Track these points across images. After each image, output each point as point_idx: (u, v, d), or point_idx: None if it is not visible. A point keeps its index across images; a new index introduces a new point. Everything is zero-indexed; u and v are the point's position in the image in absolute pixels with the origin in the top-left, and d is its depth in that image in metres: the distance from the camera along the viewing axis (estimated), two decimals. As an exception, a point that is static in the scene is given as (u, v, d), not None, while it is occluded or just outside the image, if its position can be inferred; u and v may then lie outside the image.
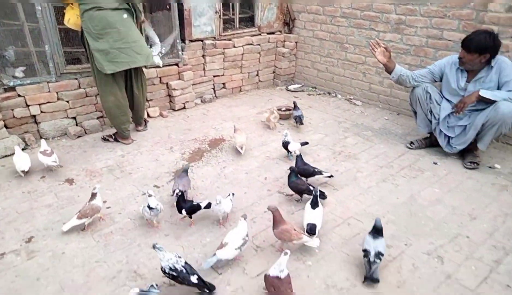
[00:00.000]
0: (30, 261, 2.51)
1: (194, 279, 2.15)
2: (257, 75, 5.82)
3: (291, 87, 5.82)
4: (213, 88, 5.42)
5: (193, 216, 2.80)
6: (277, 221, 2.48)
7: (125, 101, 3.94)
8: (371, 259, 2.29)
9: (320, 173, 3.24)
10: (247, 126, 4.52)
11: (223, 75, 5.42)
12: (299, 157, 3.29)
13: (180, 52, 4.81)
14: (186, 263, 2.20)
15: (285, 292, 2.06)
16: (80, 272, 2.42)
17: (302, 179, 3.11)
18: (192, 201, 2.84)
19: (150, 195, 2.69)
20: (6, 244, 2.66)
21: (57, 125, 4.20)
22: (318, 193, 2.72)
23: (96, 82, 3.83)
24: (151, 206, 2.67)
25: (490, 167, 3.56)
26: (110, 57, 3.56)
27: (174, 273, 2.15)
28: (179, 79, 4.92)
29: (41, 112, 4.08)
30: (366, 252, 2.34)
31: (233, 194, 2.91)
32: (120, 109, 3.89)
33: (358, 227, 2.81)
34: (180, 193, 2.76)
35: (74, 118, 4.33)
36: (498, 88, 3.34)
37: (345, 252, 2.58)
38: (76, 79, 4.21)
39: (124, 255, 2.56)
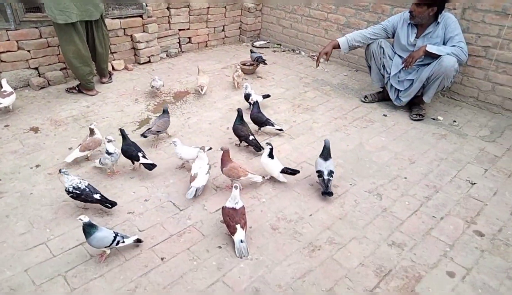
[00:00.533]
0: (-2, 201, 2.64)
1: (97, 196, 2.50)
2: (223, 30, 5.86)
3: (256, 43, 5.91)
4: (179, 43, 5.44)
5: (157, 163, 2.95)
6: (225, 160, 2.75)
7: (87, 52, 3.94)
8: (325, 177, 2.72)
9: (272, 124, 3.46)
10: (212, 80, 4.63)
11: (188, 29, 5.44)
12: (255, 105, 3.48)
13: (144, 3, 4.77)
14: (89, 184, 2.54)
15: (239, 220, 2.31)
16: (48, 210, 2.58)
17: (246, 126, 3.27)
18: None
19: (109, 141, 2.83)
20: (-26, 186, 2.76)
21: (18, 75, 4.17)
22: (272, 147, 2.84)
23: (56, 32, 3.80)
24: (109, 151, 2.81)
25: (433, 119, 3.89)
26: (61, 6, 3.53)
27: (77, 191, 2.47)
28: (144, 31, 4.91)
29: (1, 61, 4.02)
30: (320, 173, 2.76)
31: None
32: (81, 59, 3.90)
33: (310, 170, 3.07)
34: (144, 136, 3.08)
35: (37, 68, 4.30)
36: (444, 43, 3.60)
37: (296, 191, 2.85)
38: (37, 28, 4.15)
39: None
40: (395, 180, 3.00)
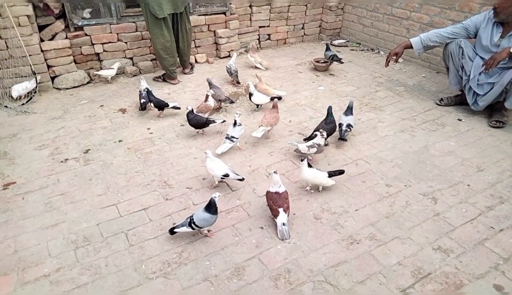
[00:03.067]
0: (85, 167, 3.12)
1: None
2: (302, 28, 5.96)
3: (335, 42, 5.91)
4: (258, 39, 5.68)
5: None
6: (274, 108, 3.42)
7: (173, 44, 4.38)
8: (343, 128, 3.29)
9: (213, 121, 3.45)
10: (283, 76, 4.79)
11: (268, 26, 5.66)
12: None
13: (228, 1, 5.10)
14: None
15: (281, 204, 2.43)
16: (122, 178, 2.99)
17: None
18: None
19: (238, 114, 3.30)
20: (70, 152, 3.30)
21: (111, 63, 4.78)
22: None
23: (148, 26, 4.28)
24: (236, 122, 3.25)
25: (516, 127, 3.56)
26: (158, 2, 3.99)
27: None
28: (226, 27, 5.25)
29: (104, 50, 4.66)
30: (340, 125, 3.32)
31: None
32: (168, 51, 4.35)
33: (365, 167, 3.06)
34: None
35: (131, 58, 4.88)
36: (534, 45, 3.27)
37: (347, 186, 2.88)
38: (134, 22, 4.71)
39: (158, 169, 3.08)
40: (455, 186, 2.84)
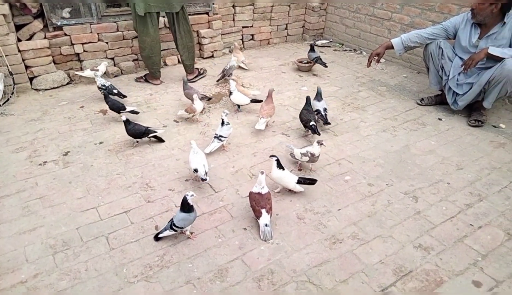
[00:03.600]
0: (65, 169, 3.05)
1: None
2: (286, 28, 5.98)
3: (318, 42, 5.94)
4: (242, 39, 5.67)
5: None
6: (266, 99, 3.57)
7: (158, 44, 4.30)
8: (322, 113, 3.51)
9: (154, 131, 3.33)
10: (267, 76, 4.79)
11: (252, 26, 5.65)
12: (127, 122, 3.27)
13: (210, 1, 5.07)
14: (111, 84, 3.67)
15: (264, 205, 2.43)
16: (103, 180, 2.93)
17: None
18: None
19: (226, 114, 3.26)
20: (48, 155, 3.22)
21: (97, 64, 4.69)
22: (277, 158, 2.74)
23: (136, 23, 4.19)
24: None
25: (494, 126, 3.63)
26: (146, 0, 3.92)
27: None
28: (209, 28, 5.22)
29: (84, 51, 4.58)
30: (317, 111, 3.52)
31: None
32: (153, 50, 4.28)
33: (347, 167, 3.08)
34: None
35: (112, 58, 4.81)
36: (510, 46, 3.34)
37: (329, 186, 2.89)
38: (115, 22, 4.64)
39: (140, 171, 3.03)
40: (436, 184, 2.89)
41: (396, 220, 2.56)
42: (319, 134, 3.31)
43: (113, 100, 3.73)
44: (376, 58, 3.91)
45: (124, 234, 2.45)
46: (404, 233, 2.45)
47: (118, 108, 3.68)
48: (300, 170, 3.05)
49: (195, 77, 4.69)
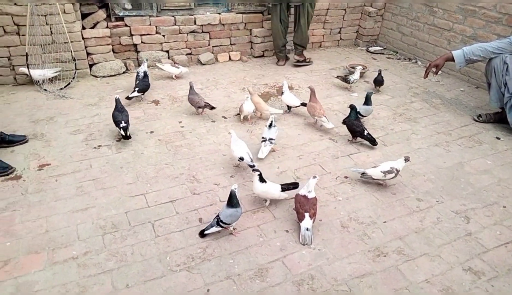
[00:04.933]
0: (117, 154, 3.18)
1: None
2: (339, 32, 5.89)
3: (371, 49, 5.81)
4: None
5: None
6: (311, 98, 3.59)
7: (281, 31, 4.92)
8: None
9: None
10: (317, 79, 4.75)
11: (305, 28, 5.60)
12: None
13: (266, 2, 5.09)
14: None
15: (308, 209, 2.41)
16: (152, 168, 3.03)
17: (360, 122, 3.46)
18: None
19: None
20: (103, 139, 3.38)
21: (153, 55, 4.86)
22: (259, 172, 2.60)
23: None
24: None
25: (559, 151, 3.39)
26: None
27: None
28: (262, 27, 5.24)
29: (142, 42, 4.75)
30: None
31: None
32: (276, 35, 4.95)
33: (395, 179, 2.98)
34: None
35: (167, 51, 4.95)
36: None
37: (376, 196, 2.82)
38: (173, 16, 4.78)
39: (187, 163, 3.10)
40: (490, 206, 2.74)
41: (445, 240, 2.45)
42: (376, 144, 3.31)
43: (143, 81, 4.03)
44: (435, 69, 3.77)
45: (169, 223, 2.51)
46: (453, 254, 2.34)
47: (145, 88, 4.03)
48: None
49: (303, 61, 5.13)
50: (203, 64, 5.06)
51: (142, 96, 4.07)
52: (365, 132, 3.29)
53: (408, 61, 5.46)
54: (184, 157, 3.18)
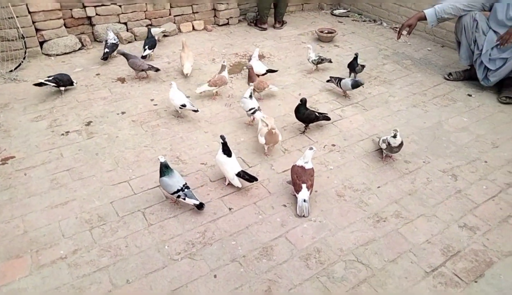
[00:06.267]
0: (89, 140, 2.93)
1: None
2: (302, -4, 5.74)
3: (336, 12, 5.72)
4: (257, 6, 5.41)
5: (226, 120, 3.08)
6: (252, 76, 3.33)
7: None
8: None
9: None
10: (287, 46, 4.62)
11: (268, -7, 5.39)
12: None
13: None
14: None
15: (306, 180, 2.35)
16: (131, 152, 2.82)
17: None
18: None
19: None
20: (70, 124, 3.09)
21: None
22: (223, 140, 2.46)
23: None
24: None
25: (526, 103, 3.55)
26: None
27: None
28: (225, -7, 4.98)
29: (96, 14, 4.34)
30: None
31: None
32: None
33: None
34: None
35: (125, 23, 4.57)
36: (551, 21, 3.22)
37: (366, 162, 2.82)
38: (128, -16, 4.39)
39: (168, 144, 2.92)
40: (473, 162, 2.83)
41: (438, 199, 2.50)
42: (329, 119, 3.12)
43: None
44: (408, 29, 3.76)
45: (160, 209, 2.36)
46: (447, 212, 2.40)
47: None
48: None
49: (282, 25, 5.18)
50: (166, 36, 4.74)
51: (152, 52, 4.15)
52: (319, 115, 3.05)
53: (374, 22, 5.44)
54: (164, 138, 2.99)
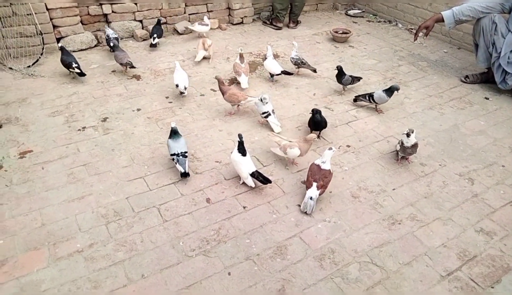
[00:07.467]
0: (105, 136, 2.96)
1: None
2: (317, -4, 5.71)
3: (350, 12, 5.69)
4: (271, 6, 5.41)
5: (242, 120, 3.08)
6: (223, 89, 3.16)
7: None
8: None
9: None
10: (301, 46, 4.60)
11: (284, -8, 5.38)
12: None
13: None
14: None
15: (318, 179, 2.35)
16: (146, 149, 2.84)
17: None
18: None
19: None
20: (86, 120, 3.12)
21: (125, 26, 4.51)
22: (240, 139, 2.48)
23: None
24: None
25: (544, 108, 3.50)
26: None
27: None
28: (240, -8, 4.98)
29: (112, 11, 4.38)
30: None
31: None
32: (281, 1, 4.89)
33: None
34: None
35: (141, 21, 4.61)
36: None
37: (381, 164, 2.80)
38: (145, -17, 4.42)
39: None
40: (491, 167, 2.79)
41: (454, 203, 2.48)
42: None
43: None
44: (425, 31, 3.72)
45: (175, 206, 2.38)
46: (464, 217, 2.38)
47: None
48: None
49: (296, 25, 5.18)
50: (180, 34, 4.77)
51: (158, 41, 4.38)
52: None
53: (389, 23, 5.39)
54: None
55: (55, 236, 2.14)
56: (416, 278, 2.01)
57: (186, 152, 2.56)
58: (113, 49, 3.86)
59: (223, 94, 3.17)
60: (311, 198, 2.34)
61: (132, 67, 3.76)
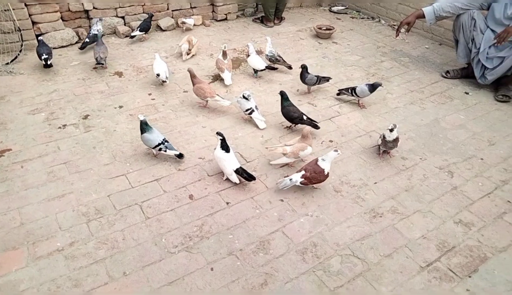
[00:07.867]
0: (87, 134, 2.92)
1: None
2: (301, -8, 5.72)
3: (334, 8, 5.72)
4: (262, 5, 5.40)
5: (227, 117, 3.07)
6: (193, 81, 3.20)
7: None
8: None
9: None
10: (285, 42, 4.62)
11: (267, -11, 5.37)
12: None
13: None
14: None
15: (306, 168, 2.41)
16: (129, 146, 2.82)
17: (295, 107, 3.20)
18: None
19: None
20: (67, 118, 3.08)
21: (107, 22, 4.45)
22: (222, 137, 2.50)
23: None
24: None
25: (522, 102, 3.58)
26: None
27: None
28: (223, -12, 4.96)
29: (94, 8, 4.31)
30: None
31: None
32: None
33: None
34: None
35: (123, 17, 4.55)
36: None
37: (363, 158, 2.83)
38: (126, -23, 4.37)
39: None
40: (470, 160, 2.85)
41: (434, 195, 2.52)
42: (319, 128, 2.98)
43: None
44: (406, 27, 3.77)
45: (158, 203, 2.36)
46: (443, 209, 2.42)
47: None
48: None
49: (280, 21, 5.20)
50: (163, 30, 4.72)
51: (144, 34, 4.40)
52: (304, 117, 2.96)
53: (372, 20, 5.44)
54: (161, 132, 2.94)
55: (35, 235, 2.11)
56: (396, 270, 2.04)
57: (165, 139, 2.64)
58: (84, 46, 3.97)
59: (193, 84, 3.22)
60: (290, 180, 2.40)
61: (99, 63, 3.69)
